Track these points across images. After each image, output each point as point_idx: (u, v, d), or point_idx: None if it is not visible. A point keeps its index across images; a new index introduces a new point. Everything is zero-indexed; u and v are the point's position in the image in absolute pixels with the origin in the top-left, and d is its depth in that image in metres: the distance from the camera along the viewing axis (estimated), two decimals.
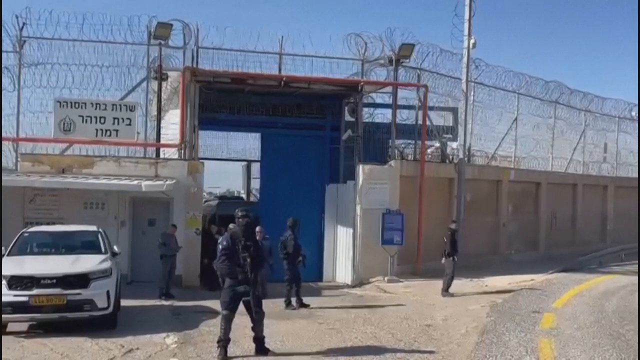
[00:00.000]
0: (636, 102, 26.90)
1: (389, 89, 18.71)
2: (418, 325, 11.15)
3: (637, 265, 18.73)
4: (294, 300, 13.13)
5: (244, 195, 29.78)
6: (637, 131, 27.25)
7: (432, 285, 16.02)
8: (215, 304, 12.71)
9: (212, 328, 10.50)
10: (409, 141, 19.74)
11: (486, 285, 16.27)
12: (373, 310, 12.79)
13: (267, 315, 9.03)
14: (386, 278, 16.68)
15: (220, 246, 8.55)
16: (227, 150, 27.02)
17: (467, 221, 19.79)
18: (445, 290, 14.56)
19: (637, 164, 27.44)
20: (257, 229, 9.89)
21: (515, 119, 22.88)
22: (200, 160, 17.26)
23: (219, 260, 8.49)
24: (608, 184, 27.13)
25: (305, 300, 13.34)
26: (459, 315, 12.15)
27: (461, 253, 19.53)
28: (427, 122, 18.72)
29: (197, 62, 16.74)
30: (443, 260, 14.85)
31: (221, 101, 18.53)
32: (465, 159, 20.18)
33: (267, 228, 13.72)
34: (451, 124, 20.40)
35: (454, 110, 20.48)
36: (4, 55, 15.78)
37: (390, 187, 17.34)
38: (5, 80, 15.83)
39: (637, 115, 21.31)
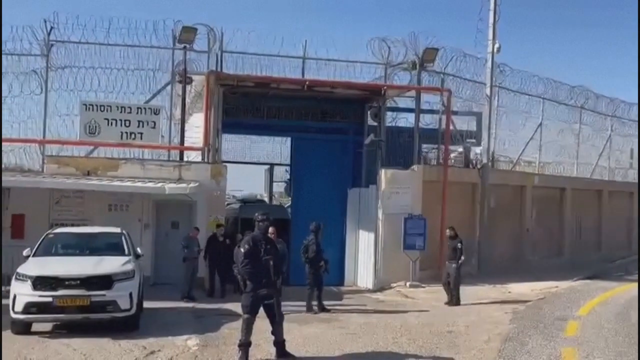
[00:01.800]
0: None
1: (412, 93, 18.64)
2: (440, 331, 11.05)
3: None
4: (315, 304, 13.10)
5: (266, 199, 29.82)
6: None
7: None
8: (236, 307, 12.69)
9: (233, 331, 10.50)
10: (432, 146, 19.63)
11: (509, 292, 16.09)
12: (394, 315, 12.71)
13: (288, 319, 9.02)
14: (408, 283, 16.58)
15: (242, 249, 8.52)
16: (249, 154, 27.12)
17: (491, 227, 19.62)
18: (457, 302, 14.04)
19: None
20: (270, 229, 9.82)
21: (540, 124, 22.66)
22: (223, 164, 17.32)
23: (241, 264, 8.46)
24: (634, 190, 26.70)
25: (326, 304, 13.31)
26: (482, 321, 12.02)
27: (485, 259, 19.58)
28: (451, 127, 18.63)
29: (221, 66, 16.83)
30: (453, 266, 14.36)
31: (244, 105, 18.62)
32: (489, 164, 20.02)
33: (299, 232, 13.68)
34: (475, 129, 20.27)
35: (477, 115, 20.35)
36: (32, 59, 16.03)
37: (413, 191, 17.24)
38: (33, 84, 16.08)
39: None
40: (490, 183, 19.68)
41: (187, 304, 13.64)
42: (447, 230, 14.81)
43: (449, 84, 19.00)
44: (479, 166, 19.95)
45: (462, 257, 14.29)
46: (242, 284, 8.56)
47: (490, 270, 18.85)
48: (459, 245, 14.26)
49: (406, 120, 19.70)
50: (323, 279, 13.46)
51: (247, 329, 8.50)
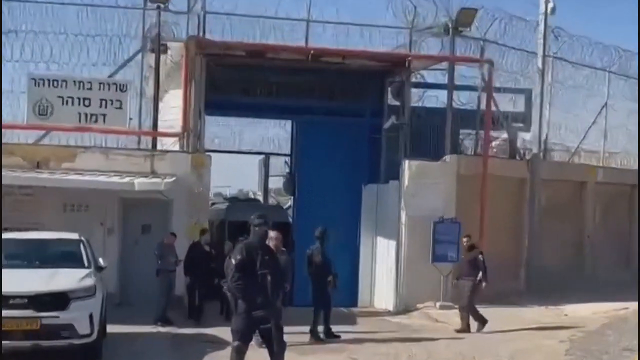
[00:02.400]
0: None
1: (444, 65, 18.61)
2: None
3: None
4: (321, 329, 13.11)
5: (260, 197, 29.86)
6: None
7: (498, 313, 15.83)
8: (222, 332, 12.77)
9: None
10: (469, 131, 19.58)
11: (565, 315, 16.06)
12: (421, 344, 12.70)
13: (289, 348, 9.00)
14: (438, 304, 16.57)
15: (232, 261, 8.50)
16: (240, 141, 27.13)
17: (542, 233, 19.57)
18: (482, 324, 14.09)
19: None
20: (272, 234, 9.81)
21: (605, 104, 22.56)
22: (207, 153, 17.35)
23: (231, 279, 8.46)
24: None
25: (336, 329, 13.30)
26: (530, 351, 12.00)
27: (534, 272, 19.55)
28: (493, 107, 18.57)
29: (204, 31, 16.84)
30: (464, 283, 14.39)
31: (233, 80, 18.61)
32: (541, 154, 19.95)
33: (303, 239, 13.68)
34: (523, 110, 20.19)
35: (526, 93, 20.30)
36: None
37: (445, 188, 17.22)
38: None
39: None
40: (541, 178, 19.62)
41: (162, 328, 13.68)
42: (464, 239, 14.83)
43: (491, 53, 18.97)
44: (527, 157, 19.90)
45: (482, 274, 14.13)
46: (233, 303, 8.56)
47: (541, 287, 18.80)
48: (480, 257, 14.26)
49: (436, 99, 19.70)
50: (331, 297, 13.45)
51: (238, 359, 8.51)
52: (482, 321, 14.09)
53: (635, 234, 23.23)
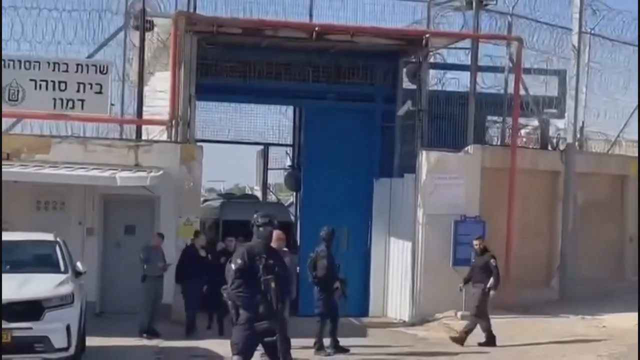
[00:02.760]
0: None
1: (466, 43, 18.60)
2: None
3: None
4: (327, 342, 13.17)
5: (258, 193, 29.92)
6: None
7: (528, 324, 15.88)
8: (215, 345, 12.87)
9: None
10: (495, 118, 19.57)
11: (604, 326, 16.07)
12: (439, 358, 12.74)
13: None
14: (459, 313, 16.58)
15: (232, 266, 8.55)
16: (235, 131, 27.17)
17: (578, 233, 19.55)
18: (491, 340, 14.06)
19: None
20: (275, 234, 9.91)
21: None
22: (198, 144, 17.40)
23: (232, 286, 8.51)
24: None
25: (344, 342, 13.36)
26: None
27: (569, 279, 19.52)
28: (522, 91, 18.56)
29: (194, 6, 16.84)
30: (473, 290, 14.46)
31: (228, 61, 18.64)
32: (576, 144, 19.92)
33: (310, 240, 13.70)
34: (556, 94, 20.16)
35: (560, 74, 20.26)
36: None
37: (468, 183, 17.24)
38: None
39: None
40: (577, 171, 19.59)
41: (148, 340, 13.75)
42: (475, 242, 14.81)
43: (520, 29, 18.95)
44: (561, 147, 19.88)
45: (493, 280, 14.14)
46: (233, 313, 8.61)
47: (577, 295, 18.80)
48: (492, 262, 14.29)
49: (457, 83, 19.70)
50: (338, 306, 13.51)
51: None
52: (490, 337, 13.99)
53: None
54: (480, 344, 14.05)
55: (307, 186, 20.09)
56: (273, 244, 10.09)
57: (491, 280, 14.10)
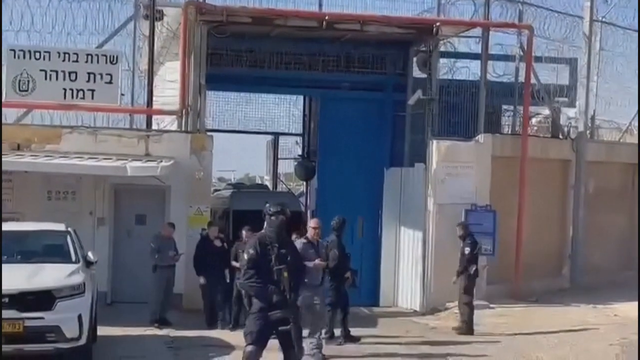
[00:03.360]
0: None
1: (477, 31, 18.52)
2: None
3: None
4: (338, 332, 13.17)
5: (268, 183, 29.93)
6: None
7: (539, 313, 15.88)
8: (228, 335, 12.89)
9: None
10: (506, 107, 19.48)
11: (615, 315, 16.05)
12: (450, 348, 12.74)
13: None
14: None
15: (245, 256, 8.54)
16: (245, 120, 27.16)
17: (589, 222, 19.51)
18: (467, 327, 14.21)
19: None
20: (312, 223, 10.15)
21: None
22: (208, 133, 17.37)
23: (244, 276, 8.50)
24: None
25: (355, 332, 13.36)
26: (576, 356, 12.05)
27: (580, 267, 19.49)
28: (533, 79, 18.49)
29: None
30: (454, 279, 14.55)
31: (238, 51, 18.63)
32: (587, 132, 19.86)
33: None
34: (567, 82, 20.08)
35: (571, 63, 20.16)
36: None
37: (478, 172, 17.21)
38: None
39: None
40: (588, 160, 19.55)
41: (159, 330, 13.76)
42: (458, 228, 14.87)
43: (531, 17, 18.86)
44: (572, 136, 19.82)
45: (474, 267, 14.36)
46: (247, 302, 8.62)
47: (588, 284, 18.79)
48: (465, 248, 14.44)
49: (468, 71, 19.62)
50: (349, 297, 13.51)
51: None
52: (469, 327, 14.12)
53: None
54: (454, 328, 14.18)
55: (322, 176, 20.02)
56: (309, 234, 10.25)
57: (474, 266, 14.34)
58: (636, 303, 16.90)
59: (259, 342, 8.42)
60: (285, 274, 8.42)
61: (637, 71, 20.42)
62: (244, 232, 14.02)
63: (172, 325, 14.01)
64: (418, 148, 18.12)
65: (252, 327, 8.45)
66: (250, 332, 8.45)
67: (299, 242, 10.95)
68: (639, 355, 10.96)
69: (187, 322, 14.40)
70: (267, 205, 8.75)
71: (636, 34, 21.67)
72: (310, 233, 11.98)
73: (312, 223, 12.48)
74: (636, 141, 22.27)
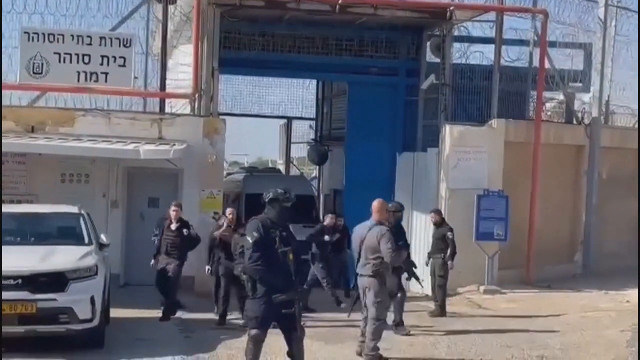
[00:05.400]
0: None
1: (491, 15, 18.43)
2: (526, 356, 11.04)
3: None
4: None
5: (281, 166, 29.95)
6: None
7: (551, 298, 15.86)
8: (239, 317, 12.90)
9: (234, 352, 10.62)
10: (520, 92, 19.43)
11: (627, 301, 15.99)
12: (460, 334, 12.72)
13: (315, 336, 9.07)
14: (482, 288, 16.60)
15: (249, 239, 8.52)
16: (258, 104, 27.17)
17: (602, 208, 19.45)
18: (441, 310, 14.38)
19: None
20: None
21: None
22: (221, 117, 17.38)
23: (249, 260, 8.48)
24: None
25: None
26: (587, 342, 11.99)
27: (593, 253, 19.45)
28: (547, 65, 18.40)
29: None
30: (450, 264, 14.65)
31: (251, 34, 18.62)
32: (601, 118, 19.76)
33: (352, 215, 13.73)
34: (581, 68, 19.97)
35: (585, 48, 20.05)
36: None
37: (491, 157, 17.16)
38: None
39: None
40: (602, 146, 19.47)
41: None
42: (432, 215, 14.90)
43: (545, 2, 18.82)
44: (586, 121, 19.72)
45: (450, 252, 14.47)
46: (250, 286, 8.60)
47: (601, 270, 18.73)
48: (449, 234, 14.51)
49: (482, 56, 19.54)
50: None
51: (255, 350, 8.56)
52: (442, 310, 14.35)
53: None
54: (431, 313, 14.32)
55: (351, 160, 20.02)
56: (375, 215, 10.25)
57: (449, 251, 14.45)
58: None
59: (263, 325, 8.43)
60: (291, 256, 8.42)
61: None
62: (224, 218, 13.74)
63: (184, 308, 14.03)
64: (431, 133, 18.11)
65: (256, 311, 8.43)
66: (255, 317, 8.44)
67: (381, 228, 10.64)
68: (638, 342, 10.90)
69: (199, 305, 14.42)
70: (268, 191, 8.70)
71: None
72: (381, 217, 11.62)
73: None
74: None
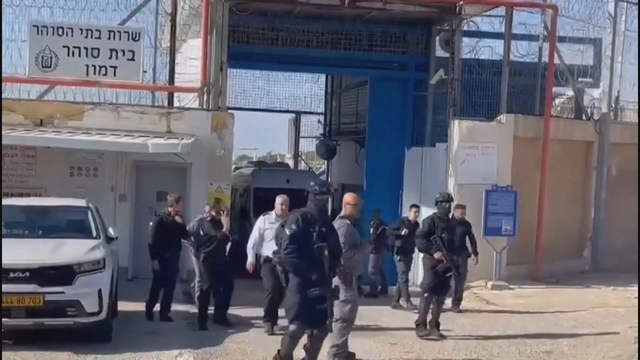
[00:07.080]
0: None
1: (500, 10, 18.37)
2: (533, 351, 11.04)
3: None
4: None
5: (290, 161, 29.96)
6: None
7: (559, 294, 15.83)
8: (245, 312, 12.91)
9: (240, 345, 10.63)
10: (529, 87, 19.38)
11: (635, 298, 15.93)
12: (468, 328, 12.70)
13: None
14: (490, 283, 16.56)
15: (287, 231, 8.50)
16: (267, 98, 27.18)
17: (612, 204, 19.39)
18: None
19: None
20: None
21: None
22: (230, 111, 17.37)
23: (285, 251, 8.48)
24: None
25: (376, 313, 13.45)
26: (595, 338, 11.97)
27: (602, 249, 19.39)
28: (556, 60, 18.34)
29: None
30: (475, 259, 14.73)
31: (260, 28, 18.59)
32: (611, 113, 19.69)
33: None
34: (591, 63, 19.91)
35: (595, 43, 19.99)
36: None
37: (500, 152, 17.12)
38: None
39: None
40: (611, 141, 19.41)
41: (179, 305, 13.78)
42: (462, 211, 14.61)
43: None
44: (596, 117, 19.66)
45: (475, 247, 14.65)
46: (283, 278, 8.62)
47: (610, 266, 18.70)
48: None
49: (491, 51, 19.49)
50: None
51: (291, 344, 8.55)
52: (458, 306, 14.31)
53: None
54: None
55: (371, 156, 19.98)
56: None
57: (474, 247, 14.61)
58: None
59: (301, 317, 8.40)
60: (326, 253, 8.41)
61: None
62: (207, 208, 13.42)
63: (192, 302, 14.03)
64: (440, 128, 18.09)
65: (292, 303, 8.46)
66: (290, 308, 8.46)
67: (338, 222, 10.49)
68: (639, 342, 10.90)
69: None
70: (312, 184, 8.75)
71: None
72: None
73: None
74: None
